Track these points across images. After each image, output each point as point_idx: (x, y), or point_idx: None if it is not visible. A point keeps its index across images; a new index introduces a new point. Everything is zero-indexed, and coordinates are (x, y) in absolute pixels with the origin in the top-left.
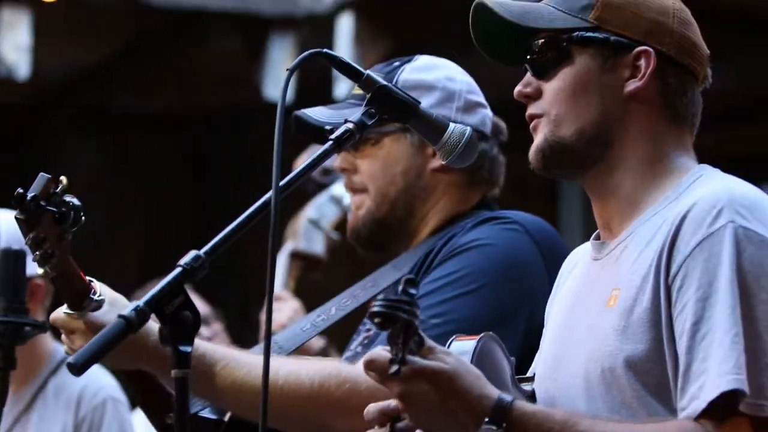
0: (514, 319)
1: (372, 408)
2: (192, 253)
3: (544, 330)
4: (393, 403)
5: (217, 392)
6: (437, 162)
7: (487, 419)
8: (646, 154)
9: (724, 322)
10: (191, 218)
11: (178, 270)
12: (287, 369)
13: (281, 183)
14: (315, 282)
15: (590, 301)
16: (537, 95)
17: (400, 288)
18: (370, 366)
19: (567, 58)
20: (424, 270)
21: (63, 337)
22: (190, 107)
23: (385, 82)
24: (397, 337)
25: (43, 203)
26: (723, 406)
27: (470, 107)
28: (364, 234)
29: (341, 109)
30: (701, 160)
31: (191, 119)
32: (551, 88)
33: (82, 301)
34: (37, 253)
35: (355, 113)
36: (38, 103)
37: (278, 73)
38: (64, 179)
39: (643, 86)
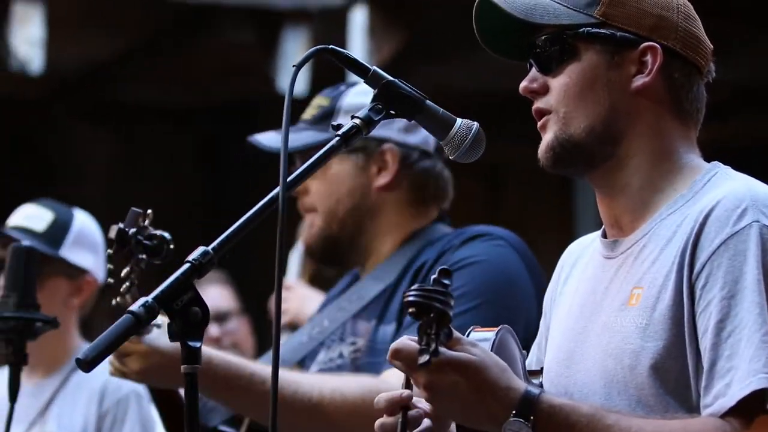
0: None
1: (383, 397)
2: (200, 249)
3: (542, 322)
4: (405, 392)
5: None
6: (381, 180)
7: (514, 411)
8: (654, 150)
9: (752, 321)
10: (203, 210)
11: (186, 266)
12: (330, 386)
13: (288, 179)
14: (329, 278)
15: (606, 300)
16: (543, 91)
17: (433, 278)
18: (396, 355)
19: (573, 54)
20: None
21: (111, 358)
22: (202, 99)
23: (391, 78)
24: (429, 327)
25: (140, 237)
26: (751, 405)
27: (411, 127)
28: (318, 251)
29: (291, 134)
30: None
31: (203, 111)
32: (558, 84)
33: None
34: (127, 284)
35: (363, 110)
36: (51, 96)
37: (291, 66)
38: (150, 212)
39: (651, 82)
